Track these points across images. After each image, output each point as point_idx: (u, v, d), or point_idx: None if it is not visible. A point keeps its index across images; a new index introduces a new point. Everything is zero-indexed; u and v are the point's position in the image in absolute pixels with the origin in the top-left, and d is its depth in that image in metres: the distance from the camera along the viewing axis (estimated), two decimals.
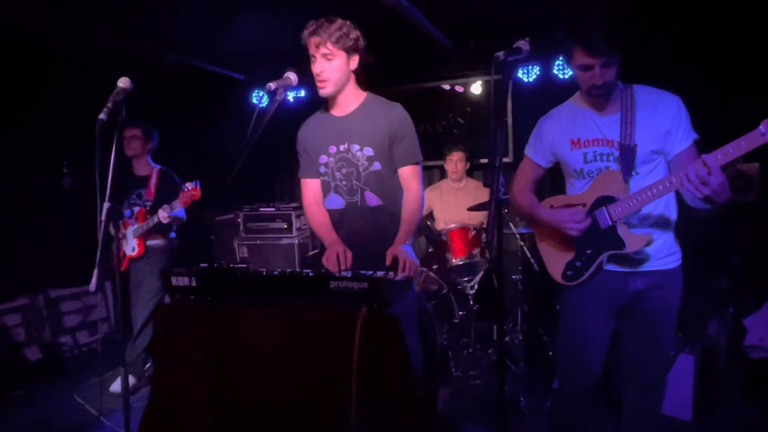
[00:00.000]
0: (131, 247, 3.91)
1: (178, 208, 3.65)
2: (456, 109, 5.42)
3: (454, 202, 4.56)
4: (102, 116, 2.00)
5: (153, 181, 3.96)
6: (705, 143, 1.94)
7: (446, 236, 3.95)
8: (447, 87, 5.37)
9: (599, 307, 2.15)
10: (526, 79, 4.73)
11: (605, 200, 2.04)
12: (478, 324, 4.07)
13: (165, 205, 3.66)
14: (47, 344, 4.49)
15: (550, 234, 2.24)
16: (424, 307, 3.47)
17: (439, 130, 5.54)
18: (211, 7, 3.76)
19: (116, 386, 3.90)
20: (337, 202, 2.46)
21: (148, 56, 4.71)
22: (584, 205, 2.10)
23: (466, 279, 4.01)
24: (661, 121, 1.99)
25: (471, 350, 4.01)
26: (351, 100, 2.41)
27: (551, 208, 2.26)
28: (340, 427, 1.65)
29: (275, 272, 1.85)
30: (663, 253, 2.07)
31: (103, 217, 2.03)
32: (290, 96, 5.62)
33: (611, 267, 2.12)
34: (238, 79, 5.79)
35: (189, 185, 3.53)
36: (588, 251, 2.11)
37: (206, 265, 1.89)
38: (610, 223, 2.03)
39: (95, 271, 1.93)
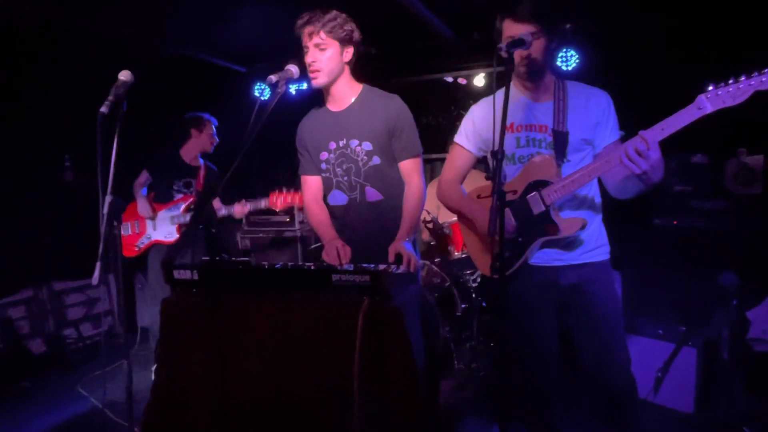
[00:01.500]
0: (166, 232, 3.86)
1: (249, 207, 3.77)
2: (459, 102, 5.40)
3: None
4: (103, 109, 1.98)
5: (202, 173, 4.01)
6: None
7: (449, 229, 3.94)
8: (450, 79, 5.35)
9: (535, 304, 2.11)
10: None
11: (538, 185, 1.99)
12: (480, 317, 4.07)
13: (244, 201, 3.75)
14: (51, 337, 4.51)
15: (479, 226, 2.19)
16: (426, 300, 3.47)
17: (442, 123, 5.53)
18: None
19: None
20: (341, 198, 2.44)
21: (150, 48, 4.70)
22: (515, 191, 2.05)
23: (468, 272, 4.01)
24: (593, 111, 2.01)
25: (473, 343, 4.01)
26: (347, 93, 2.38)
27: (478, 197, 2.22)
28: (342, 419, 1.65)
29: (277, 266, 1.85)
30: (591, 245, 2.06)
31: (105, 211, 2.03)
32: (292, 89, 5.60)
33: (539, 261, 2.08)
34: (240, 71, 5.78)
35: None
36: (519, 239, 2.05)
37: (208, 258, 1.89)
38: (543, 209, 1.98)
39: (98, 264, 1.93)
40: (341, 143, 2.37)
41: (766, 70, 1.57)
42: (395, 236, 2.38)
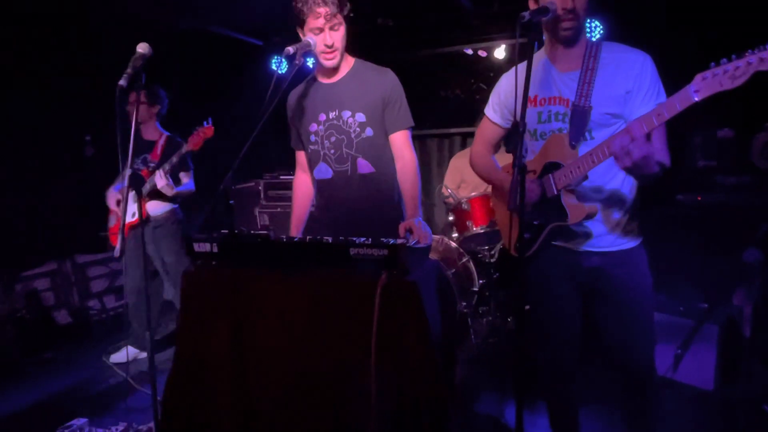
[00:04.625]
0: (131, 212, 3.75)
1: (188, 176, 3.65)
2: (479, 75, 5.31)
3: None
4: (122, 82, 1.98)
5: (160, 143, 3.84)
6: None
7: (467, 204, 3.91)
8: (469, 51, 5.25)
9: (557, 284, 2.06)
10: None
11: (552, 167, 1.91)
12: (497, 292, 4.07)
13: (163, 170, 3.54)
14: (76, 308, 4.62)
15: (505, 202, 2.13)
16: (442, 275, 3.48)
17: (461, 96, 5.45)
18: None
19: (117, 357, 3.92)
20: (326, 171, 2.39)
21: (166, 22, 4.67)
22: (534, 172, 1.96)
23: (486, 247, 4.00)
24: (623, 80, 1.83)
25: (490, 318, 4.02)
26: (341, 66, 2.34)
27: (509, 174, 2.16)
28: (359, 392, 1.67)
29: (296, 239, 1.85)
30: (616, 233, 1.94)
31: (125, 183, 2.05)
32: (309, 62, 5.55)
33: (562, 242, 2.01)
34: (257, 45, 5.73)
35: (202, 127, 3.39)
36: (536, 222, 1.98)
37: (227, 231, 1.90)
38: (555, 192, 1.90)
39: (120, 237, 1.95)
40: (332, 115, 2.33)
41: (764, 46, 1.40)
42: (385, 209, 2.37)
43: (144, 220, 3.73)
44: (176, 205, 3.93)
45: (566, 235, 1.99)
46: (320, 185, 2.45)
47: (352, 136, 2.31)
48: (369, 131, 2.31)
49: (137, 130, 3.88)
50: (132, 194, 3.67)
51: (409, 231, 2.12)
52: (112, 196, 3.92)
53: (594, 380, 2.79)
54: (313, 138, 2.39)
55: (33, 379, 3.67)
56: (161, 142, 3.87)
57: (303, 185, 2.58)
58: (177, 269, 3.82)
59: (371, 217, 2.31)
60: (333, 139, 2.34)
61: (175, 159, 3.56)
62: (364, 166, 2.34)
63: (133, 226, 3.78)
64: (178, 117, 4.19)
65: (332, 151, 2.35)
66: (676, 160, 1.96)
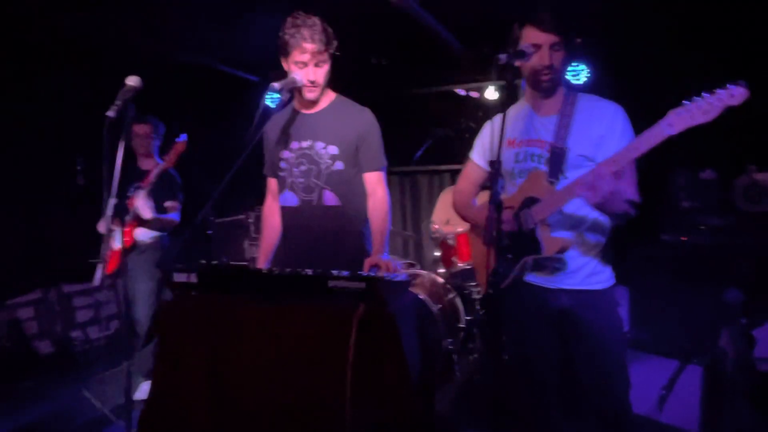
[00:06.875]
0: (118, 239, 3.65)
1: (175, 208, 3.63)
2: (469, 114, 5.42)
3: None
4: (110, 113, 2.03)
5: (153, 173, 3.69)
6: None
7: (453, 240, 3.94)
8: (462, 92, 5.38)
9: (533, 325, 2.08)
10: None
11: (530, 202, 1.98)
12: (484, 329, 4.05)
13: (145, 191, 3.49)
14: (59, 338, 4.56)
15: (480, 238, 2.20)
16: (425, 310, 3.47)
17: (451, 134, 5.55)
18: (228, 7, 3.81)
19: (140, 394, 3.74)
20: (291, 199, 2.41)
21: (164, 55, 4.77)
22: (512, 208, 2.03)
23: (472, 284, 4.00)
24: (597, 126, 1.95)
25: (476, 355, 3.99)
26: (321, 99, 2.39)
27: None
28: (334, 423, 1.65)
29: (274, 270, 1.86)
30: (587, 271, 1.99)
31: (109, 213, 2.07)
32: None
33: (531, 279, 2.05)
34: (253, 80, 5.84)
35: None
36: (509, 255, 2.02)
37: (206, 261, 1.91)
38: (532, 226, 1.96)
39: (99, 266, 1.96)
40: (305, 144, 2.36)
41: (731, 85, 1.53)
42: (347, 243, 2.38)
43: (131, 246, 3.69)
44: (164, 233, 3.84)
45: (539, 268, 2.01)
46: (284, 212, 2.46)
47: (322, 167, 2.34)
48: (339, 165, 2.34)
49: (135, 160, 3.92)
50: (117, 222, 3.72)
51: (376, 266, 2.14)
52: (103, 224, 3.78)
53: (573, 421, 2.77)
54: (283, 164, 2.41)
55: (11, 409, 3.59)
56: (155, 170, 3.74)
57: (274, 213, 2.57)
58: (146, 296, 3.70)
59: (332, 249, 2.31)
60: (303, 168, 2.36)
61: (153, 179, 3.53)
62: (330, 198, 2.35)
63: (124, 252, 3.71)
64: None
65: (300, 180, 2.37)
66: (659, 200, 2.02)
